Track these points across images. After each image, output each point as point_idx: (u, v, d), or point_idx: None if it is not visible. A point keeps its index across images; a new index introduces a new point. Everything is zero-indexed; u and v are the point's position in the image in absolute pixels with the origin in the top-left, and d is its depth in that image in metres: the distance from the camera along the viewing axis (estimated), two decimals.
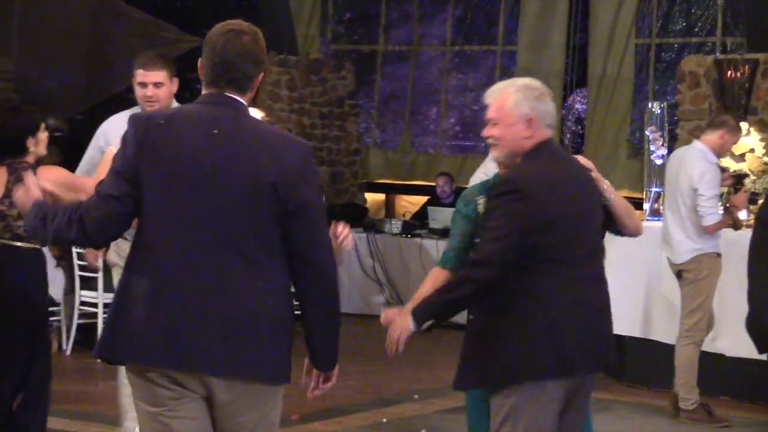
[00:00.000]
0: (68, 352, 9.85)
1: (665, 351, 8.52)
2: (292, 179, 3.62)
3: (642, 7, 13.74)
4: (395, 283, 12.52)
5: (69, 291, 10.01)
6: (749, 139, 11.04)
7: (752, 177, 10.63)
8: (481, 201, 4.52)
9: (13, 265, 5.81)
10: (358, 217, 13.26)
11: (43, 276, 6.03)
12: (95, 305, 9.69)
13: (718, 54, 12.44)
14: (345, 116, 15.12)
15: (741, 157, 11.06)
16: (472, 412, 4.73)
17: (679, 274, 8.18)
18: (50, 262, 9.64)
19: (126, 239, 3.94)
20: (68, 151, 11.55)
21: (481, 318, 4.33)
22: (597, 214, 4.43)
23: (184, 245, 3.59)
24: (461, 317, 4.57)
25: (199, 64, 3.76)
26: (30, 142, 5.86)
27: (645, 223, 9.16)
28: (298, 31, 15.08)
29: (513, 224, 4.16)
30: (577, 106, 17.75)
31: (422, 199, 14.03)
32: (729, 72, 11.51)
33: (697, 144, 8.27)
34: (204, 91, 3.75)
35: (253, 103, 3.97)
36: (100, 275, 9.50)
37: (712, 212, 7.97)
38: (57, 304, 9.93)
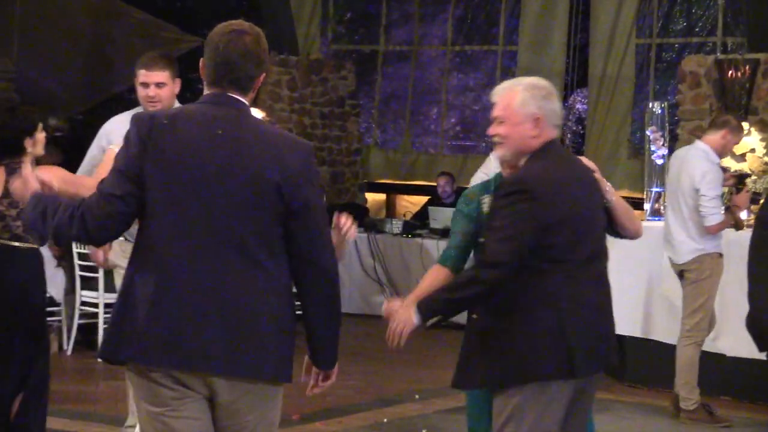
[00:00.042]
0: (69, 352, 9.84)
1: (666, 351, 8.52)
2: (294, 179, 3.62)
3: (643, 7, 13.74)
4: (396, 283, 12.52)
5: (69, 291, 10.01)
6: (750, 139, 11.04)
7: (753, 177, 10.63)
8: (486, 200, 4.50)
9: (12, 265, 5.82)
10: (358, 217, 13.23)
11: (42, 276, 6.03)
12: (96, 305, 9.68)
13: (718, 54, 12.44)
14: (346, 116, 15.13)
15: (742, 157, 11.07)
16: (472, 412, 4.73)
17: (681, 274, 8.18)
18: (51, 263, 9.68)
19: (128, 240, 3.94)
20: (69, 151, 11.57)
21: (485, 317, 4.31)
22: (600, 215, 4.42)
23: (187, 245, 3.59)
24: (461, 317, 4.57)
25: (200, 64, 3.76)
26: (27, 143, 5.87)
27: (645, 223, 9.19)
28: (299, 31, 15.08)
29: (522, 225, 4.15)
30: (578, 106, 17.77)
31: (423, 199, 14.04)
32: (730, 72, 11.52)
33: (699, 144, 8.26)
34: (206, 91, 3.75)
35: (254, 103, 3.98)
36: (100, 275, 9.50)
37: (715, 212, 7.96)
38: (58, 304, 9.93)
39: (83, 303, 9.85)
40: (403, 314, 4.27)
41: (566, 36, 14.20)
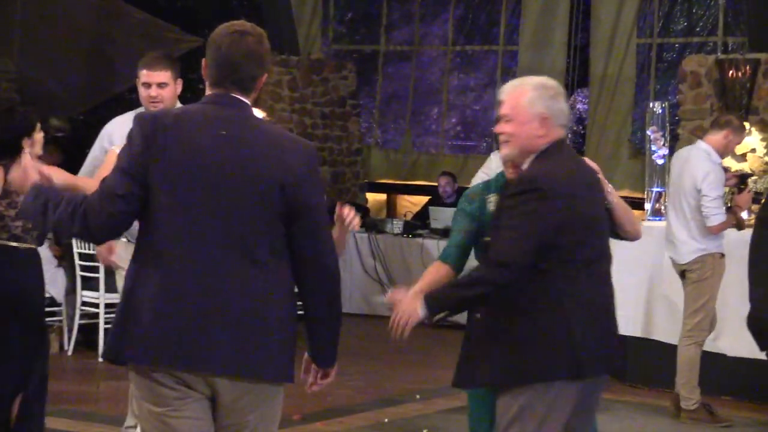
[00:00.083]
0: (69, 353, 9.83)
1: (667, 351, 8.52)
2: (297, 180, 3.63)
3: (643, 7, 13.74)
4: (397, 283, 12.48)
5: (70, 291, 10.00)
6: (750, 139, 11.04)
7: (754, 177, 10.62)
8: (492, 199, 4.49)
9: (10, 266, 5.82)
10: (359, 217, 13.24)
11: (40, 276, 6.03)
12: (96, 305, 9.67)
13: (719, 54, 12.44)
14: (346, 116, 15.13)
15: (742, 157, 11.06)
16: (473, 412, 4.73)
17: (682, 274, 8.17)
18: (51, 263, 9.69)
19: (131, 242, 3.94)
20: (69, 151, 11.58)
21: (491, 317, 4.28)
22: (605, 215, 4.42)
23: (190, 245, 3.59)
24: (462, 317, 4.56)
25: (203, 64, 3.77)
26: (26, 143, 5.87)
27: (646, 223, 9.21)
28: (300, 31, 15.08)
29: (534, 224, 4.12)
30: (579, 105, 17.76)
31: (423, 199, 14.03)
32: (730, 72, 11.51)
33: (701, 144, 8.25)
34: (208, 92, 3.75)
35: (255, 103, 3.98)
36: (101, 275, 9.49)
37: (717, 213, 7.96)
38: (58, 305, 9.93)
39: (84, 303, 9.84)
40: (409, 305, 4.23)
41: (567, 36, 14.19)
